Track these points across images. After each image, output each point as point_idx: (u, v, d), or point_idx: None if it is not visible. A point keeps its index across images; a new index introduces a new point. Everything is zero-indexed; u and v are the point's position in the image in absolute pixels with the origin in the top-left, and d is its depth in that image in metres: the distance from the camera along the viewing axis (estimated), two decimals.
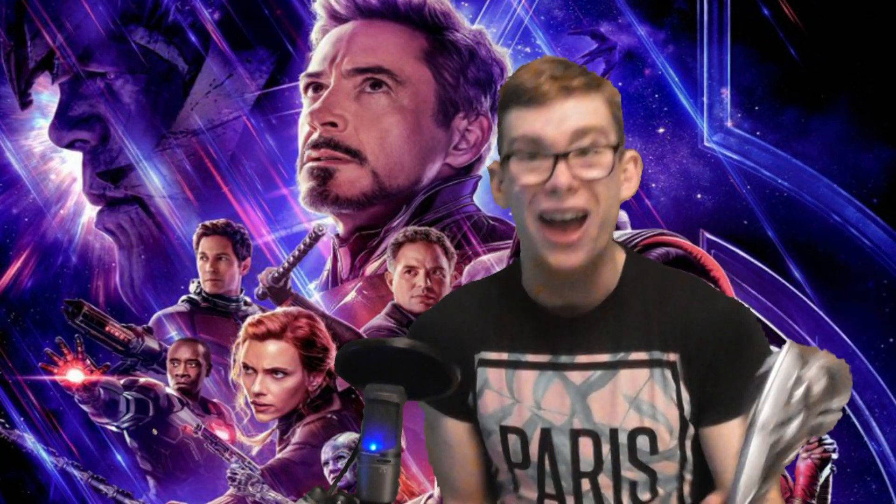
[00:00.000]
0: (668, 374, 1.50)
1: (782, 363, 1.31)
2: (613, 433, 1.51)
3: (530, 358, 1.55)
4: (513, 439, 1.56)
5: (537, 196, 1.44)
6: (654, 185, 4.67)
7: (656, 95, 4.70)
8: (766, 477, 1.29)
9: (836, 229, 4.48)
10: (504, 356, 1.57)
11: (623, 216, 4.32)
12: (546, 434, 1.54)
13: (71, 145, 5.43)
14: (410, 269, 4.16)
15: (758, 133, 4.62)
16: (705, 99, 4.66)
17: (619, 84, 4.72)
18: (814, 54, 4.47)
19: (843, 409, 1.41)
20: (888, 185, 4.42)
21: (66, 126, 5.38)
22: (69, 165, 5.57)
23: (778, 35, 4.51)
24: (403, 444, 3.79)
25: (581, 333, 1.52)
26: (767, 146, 4.60)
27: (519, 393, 1.55)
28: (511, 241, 4.27)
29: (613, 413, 1.51)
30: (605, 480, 1.54)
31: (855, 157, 4.45)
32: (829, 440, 3.78)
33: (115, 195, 5.42)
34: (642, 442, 1.51)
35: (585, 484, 1.54)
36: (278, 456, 3.73)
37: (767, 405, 1.30)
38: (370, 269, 4.71)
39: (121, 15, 5.33)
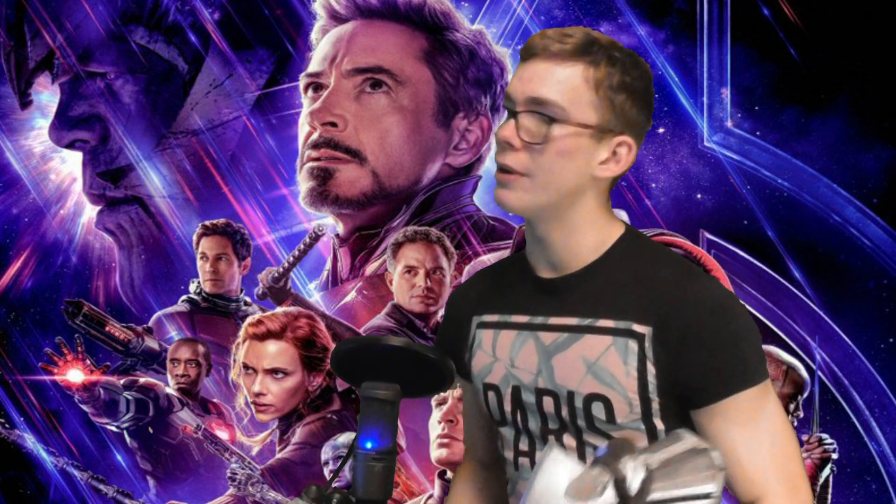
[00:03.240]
0: (634, 345, 1.49)
1: (540, 465, 1.30)
2: (570, 395, 1.53)
3: (514, 319, 1.61)
4: (491, 396, 1.62)
5: (498, 148, 1.54)
6: (654, 185, 4.67)
7: (656, 95, 4.68)
8: None
9: (836, 229, 4.48)
10: (496, 318, 1.63)
11: (623, 216, 4.31)
12: (517, 391, 1.59)
13: (71, 145, 5.44)
14: (410, 269, 4.16)
15: (758, 133, 4.62)
16: (705, 99, 4.66)
17: None
18: (814, 54, 4.47)
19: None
20: (888, 185, 4.42)
21: (66, 126, 5.39)
22: (69, 165, 5.58)
23: (778, 35, 4.51)
24: (403, 443, 3.80)
25: (558, 297, 1.57)
26: (767, 146, 4.60)
27: (499, 352, 1.61)
28: (511, 241, 4.26)
29: (572, 376, 1.52)
30: (570, 441, 1.56)
31: (855, 157, 4.45)
32: (829, 440, 3.78)
33: (115, 195, 5.42)
34: (598, 409, 1.51)
35: (552, 441, 1.56)
36: (278, 456, 3.73)
37: (525, 496, 1.30)
38: (370, 269, 4.71)
39: (121, 15, 5.34)
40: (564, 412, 1.54)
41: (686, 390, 1.49)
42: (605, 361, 1.51)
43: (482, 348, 1.63)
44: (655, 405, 1.50)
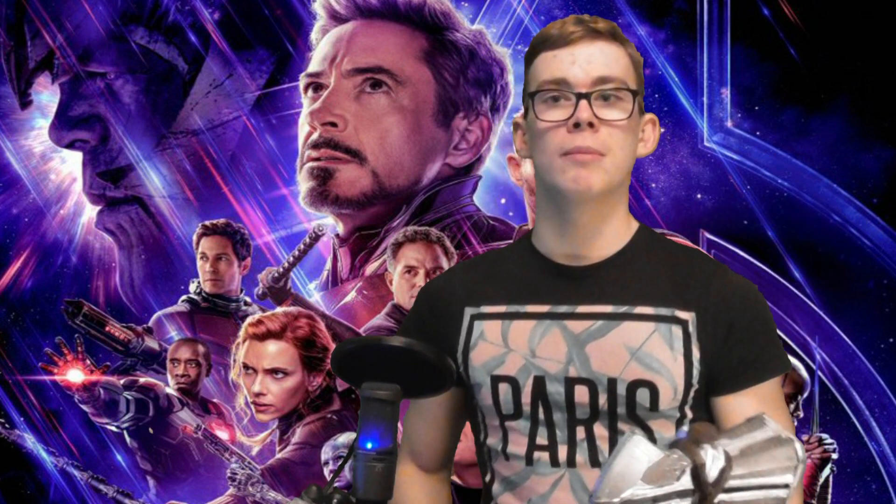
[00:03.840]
0: (679, 330, 1.51)
1: (620, 449, 1.27)
2: (612, 383, 1.51)
3: (529, 308, 1.57)
4: (504, 388, 1.57)
5: (560, 132, 1.50)
6: (654, 185, 4.67)
7: (656, 95, 4.70)
8: None
9: (836, 229, 4.48)
10: (502, 308, 1.59)
11: None
12: (539, 382, 1.54)
13: (71, 145, 5.44)
14: (410, 269, 4.16)
15: (758, 133, 4.62)
16: (705, 99, 4.66)
17: None
18: (814, 54, 4.47)
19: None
20: (888, 185, 4.42)
21: (66, 126, 5.39)
22: (69, 165, 5.58)
23: (778, 35, 4.51)
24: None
25: (585, 285, 1.55)
26: (767, 146, 4.60)
27: (513, 342, 1.57)
28: (511, 241, 4.26)
29: (613, 363, 1.51)
30: (600, 430, 1.53)
31: (855, 157, 4.45)
32: (829, 440, 3.78)
33: (115, 195, 5.42)
34: (642, 395, 1.50)
35: (581, 432, 1.53)
36: (278, 456, 3.73)
37: (600, 480, 1.28)
38: (370, 269, 4.71)
39: (121, 15, 5.34)
40: (602, 400, 1.51)
41: (723, 375, 1.52)
42: (649, 347, 1.50)
43: (486, 340, 1.58)
44: (692, 392, 1.51)
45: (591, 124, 1.47)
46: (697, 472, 1.25)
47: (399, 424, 1.43)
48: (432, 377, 1.39)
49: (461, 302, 1.62)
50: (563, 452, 1.54)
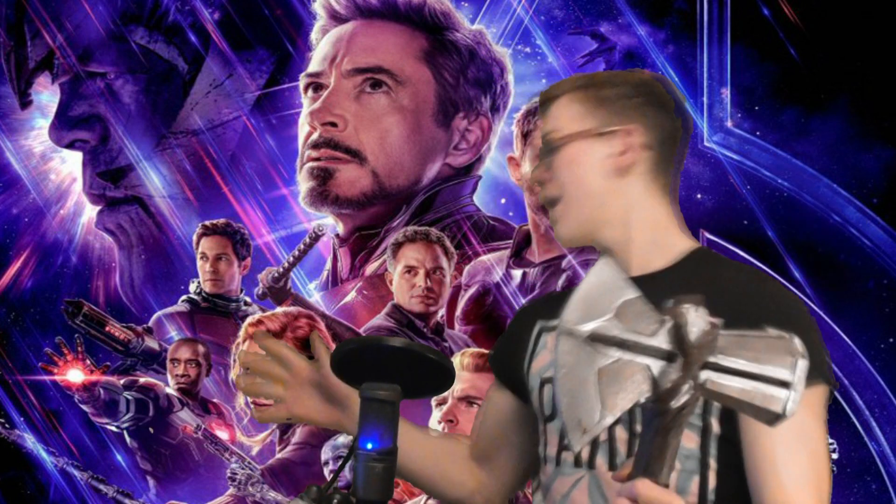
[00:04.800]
0: None
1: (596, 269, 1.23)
2: None
3: None
4: (547, 389, 1.61)
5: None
6: None
7: None
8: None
9: (836, 229, 4.48)
10: (558, 321, 1.62)
11: None
12: None
13: (71, 145, 5.44)
14: (410, 269, 4.16)
15: (758, 133, 4.62)
16: (705, 99, 4.66)
17: None
18: (814, 54, 4.47)
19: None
20: (888, 185, 4.42)
21: (66, 126, 5.39)
22: (69, 165, 5.58)
23: (778, 35, 4.51)
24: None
25: None
26: (767, 146, 4.60)
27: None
28: (511, 241, 4.26)
29: None
30: (621, 433, 1.52)
31: (855, 157, 4.45)
32: (829, 440, 3.77)
33: (115, 195, 5.42)
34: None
35: (603, 434, 1.51)
36: (278, 456, 3.73)
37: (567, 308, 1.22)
38: (370, 269, 4.71)
39: (121, 15, 5.34)
40: None
41: None
42: None
43: (546, 348, 1.64)
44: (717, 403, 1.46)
45: (540, 182, 1.64)
46: (678, 331, 1.18)
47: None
48: (432, 377, 1.39)
49: (538, 317, 1.70)
50: (585, 453, 1.55)
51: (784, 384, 1.15)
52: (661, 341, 1.17)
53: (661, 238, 1.60)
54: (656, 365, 1.16)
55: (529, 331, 1.69)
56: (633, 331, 1.16)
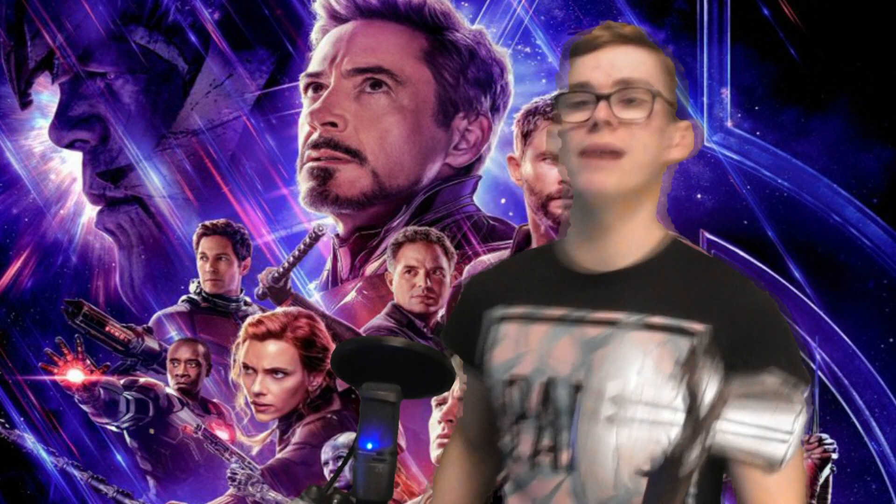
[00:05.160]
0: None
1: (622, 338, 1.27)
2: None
3: (547, 312, 1.59)
4: (514, 389, 1.59)
5: (580, 132, 1.53)
6: None
7: None
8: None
9: (836, 229, 4.47)
10: (523, 310, 1.62)
11: None
12: (549, 384, 1.56)
13: (71, 145, 5.44)
14: (410, 269, 4.16)
15: (758, 133, 4.62)
16: (705, 99, 4.66)
17: None
18: (814, 54, 4.46)
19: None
20: (888, 185, 4.41)
21: (66, 126, 5.39)
22: (69, 165, 5.58)
23: (778, 35, 4.50)
24: (403, 443, 3.80)
25: (604, 291, 1.56)
26: (767, 146, 4.59)
27: (530, 344, 1.59)
28: (511, 241, 4.26)
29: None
30: (604, 436, 1.52)
31: (855, 157, 4.45)
32: (829, 440, 3.78)
33: (115, 195, 5.42)
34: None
35: (584, 438, 1.53)
36: (278, 456, 3.73)
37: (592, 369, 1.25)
38: (370, 269, 4.71)
39: (121, 15, 5.34)
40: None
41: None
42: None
43: (506, 340, 1.61)
44: (703, 409, 1.48)
45: (608, 123, 1.50)
46: (693, 392, 1.22)
47: (399, 424, 1.43)
48: (433, 377, 1.39)
49: (489, 303, 1.66)
50: (565, 456, 1.54)
51: (785, 437, 1.21)
52: (678, 401, 1.21)
53: (649, 226, 1.59)
54: (672, 431, 1.22)
55: (481, 314, 1.66)
56: (653, 395, 1.21)
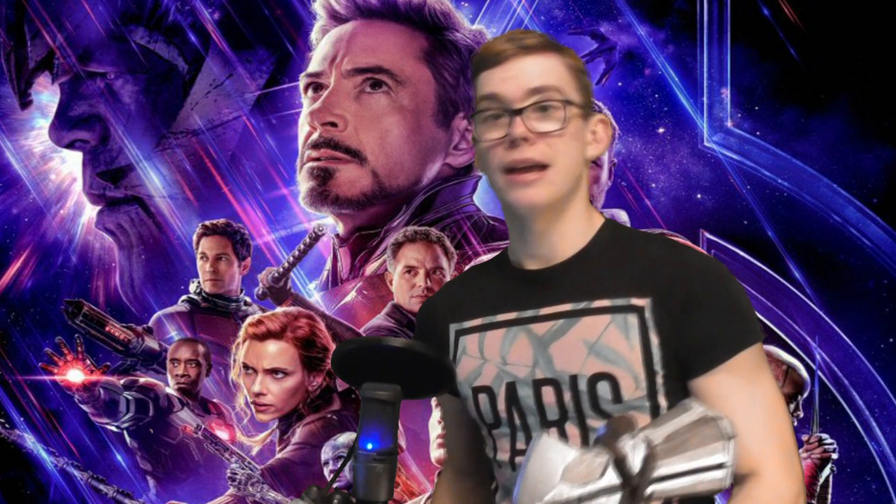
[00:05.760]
0: (634, 319, 1.50)
1: (531, 452, 1.27)
2: (573, 380, 1.52)
3: (500, 318, 1.61)
4: (483, 399, 1.61)
5: (499, 150, 1.55)
6: (654, 185, 4.67)
7: (656, 95, 4.70)
8: None
9: (836, 229, 4.48)
10: (478, 321, 1.63)
11: (623, 216, 4.32)
12: (511, 388, 1.58)
13: (71, 145, 5.44)
14: (410, 269, 4.16)
15: (758, 133, 4.62)
16: (705, 99, 4.66)
17: (619, 84, 4.72)
18: (814, 54, 4.47)
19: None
20: (888, 185, 4.42)
21: (66, 126, 5.39)
22: (69, 165, 5.58)
23: (778, 35, 4.51)
24: (403, 443, 3.80)
25: (548, 287, 1.58)
26: (767, 146, 4.59)
27: (488, 352, 1.61)
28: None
29: (573, 360, 1.52)
30: (572, 430, 1.54)
31: (855, 157, 4.45)
32: (829, 440, 3.78)
33: (115, 195, 5.42)
34: (603, 388, 1.51)
35: (554, 434, 1.54)
36: (278, 456, 3.73)
37: (518, 486, 1.27)
38: (370, 269, 4.71)
39: (121, 15, 5.34)
40: (567, 398, 1.53)
41: (690, 356, 1.50)
42: (606, 339, 1.51)
43: (467, 354, 1.63)
44: (660, 379, 1.50)
45: (525, 138, 1.52)
46: (621, 465, 1.24)
47: (399, 424, 1.43)
48: (432, 377, 1.39)
49: (446, 320, 1.67)
50: None
51: (720, 466, 1.24)
52: (610, 479, 1.23)
53: (584, 217, 1.61)
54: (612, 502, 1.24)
55: (443, 334, 1.68)
56: (587, 482, 1.23)
